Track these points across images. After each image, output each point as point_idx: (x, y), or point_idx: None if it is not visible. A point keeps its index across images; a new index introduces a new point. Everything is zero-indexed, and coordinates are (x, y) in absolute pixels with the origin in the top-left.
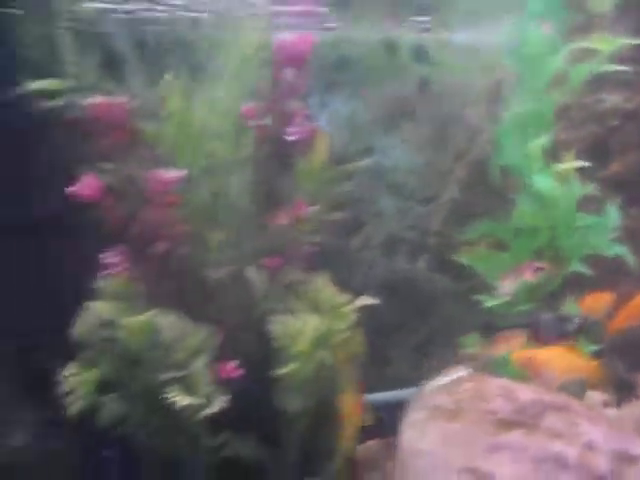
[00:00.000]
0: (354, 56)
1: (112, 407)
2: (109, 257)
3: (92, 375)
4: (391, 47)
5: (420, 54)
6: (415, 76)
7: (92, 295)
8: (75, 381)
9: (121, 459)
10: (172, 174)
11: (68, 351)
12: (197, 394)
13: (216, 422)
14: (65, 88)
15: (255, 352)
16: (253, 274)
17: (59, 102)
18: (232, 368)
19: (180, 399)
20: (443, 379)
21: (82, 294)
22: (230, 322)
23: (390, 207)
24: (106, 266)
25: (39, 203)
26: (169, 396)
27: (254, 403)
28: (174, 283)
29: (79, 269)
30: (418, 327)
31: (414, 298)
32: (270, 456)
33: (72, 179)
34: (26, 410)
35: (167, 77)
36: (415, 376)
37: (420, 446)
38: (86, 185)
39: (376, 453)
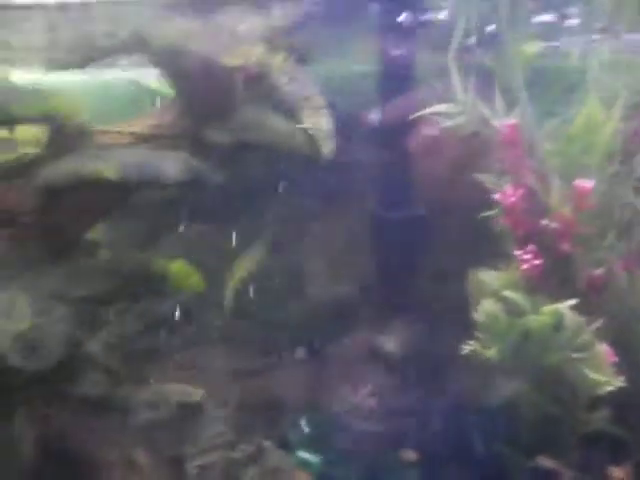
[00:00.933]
0: None
1: (502, 381)
2: (521, 254)
3: (490, 353)
4: None
5: None
6: None
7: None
8: (476, 357)
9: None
10: (589, 184)
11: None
12: (599, 373)
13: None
14: (458, 111)
15: (627, 341)
16: (623, 273)
17: (455, 122)
18: (610, 353)
19: (594, 376)
20: None
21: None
22: (607, 313)
23: None
24: (520, 261)
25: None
26: (581, 372)
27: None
28: (561, 277)
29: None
30: None
31: None
32: (633, 434)
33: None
34: None
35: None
36: None
37: None
38: (508, 193)
39: None
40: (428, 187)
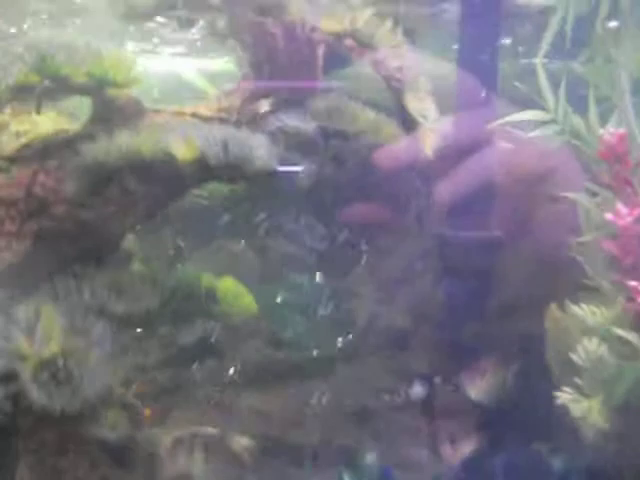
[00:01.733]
0: None
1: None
2: (638, 286)
3: (597, 403)
4: None
5: None
6: None
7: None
8: (581, 408)
9: None
10: None
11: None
12: None
13: None
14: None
15: None
16: None
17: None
18: None
19: None
20: None
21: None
22: None
23: None
24: (636, 294)
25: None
26: None
27: None
28: None
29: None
30: None
31: None
32: None
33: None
34: None
35: None
36: None
37: None
38: (623, 213)
39: None
40: (504, 206)
